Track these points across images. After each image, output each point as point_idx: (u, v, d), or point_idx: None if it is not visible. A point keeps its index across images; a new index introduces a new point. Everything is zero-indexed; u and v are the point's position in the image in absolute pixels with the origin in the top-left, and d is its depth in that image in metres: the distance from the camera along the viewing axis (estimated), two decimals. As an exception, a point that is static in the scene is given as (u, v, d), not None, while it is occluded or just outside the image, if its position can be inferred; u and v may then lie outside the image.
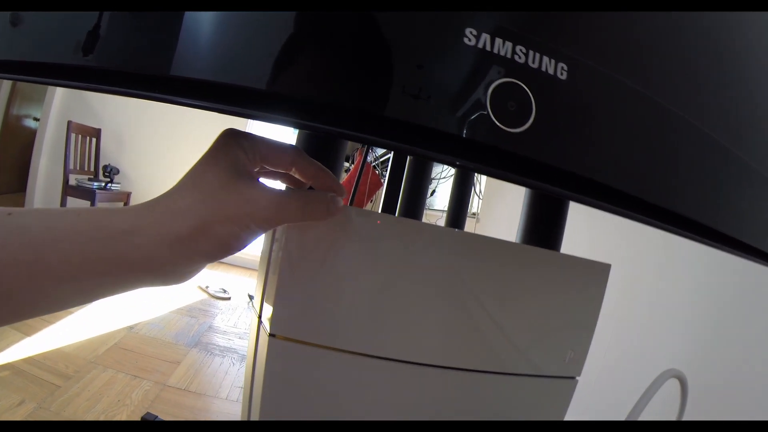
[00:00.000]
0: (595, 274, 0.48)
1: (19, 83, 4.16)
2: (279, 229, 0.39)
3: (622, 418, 0.53)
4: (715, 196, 0.34)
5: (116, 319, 2.19)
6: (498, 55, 0.25)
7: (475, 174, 1.29)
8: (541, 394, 0.49)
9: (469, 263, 0.42)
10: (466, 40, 0.24)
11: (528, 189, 0.56)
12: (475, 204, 3.14)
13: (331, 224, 0.38)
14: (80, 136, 3.55)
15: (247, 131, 0.31)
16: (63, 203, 3.36)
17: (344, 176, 2.91)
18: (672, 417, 0.64)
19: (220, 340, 2.29)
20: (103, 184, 3.50)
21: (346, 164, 3.24)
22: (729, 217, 0.36)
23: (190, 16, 0.24)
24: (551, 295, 0.46)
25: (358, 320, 0.40)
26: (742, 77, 0.37)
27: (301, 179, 0.35)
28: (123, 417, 1.43)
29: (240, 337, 2.38)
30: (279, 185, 0.36)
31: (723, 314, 1.25)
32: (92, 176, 3.65)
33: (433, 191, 3.30)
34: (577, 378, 0.50)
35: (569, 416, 0.48)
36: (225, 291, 3.08)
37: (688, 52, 0.33)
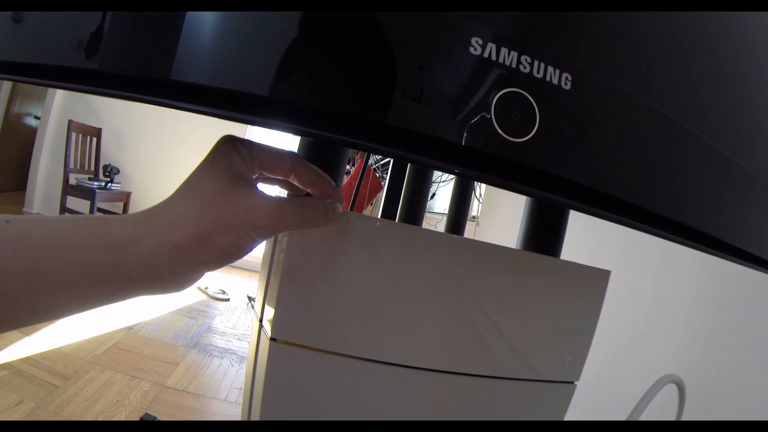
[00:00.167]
0: (595, 280, 0.48)
1: (20, 82, 4.16)
2: (280, 233, 0.39)
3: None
4: (716, 205, 0.34)
5: (115, 320, 2.18)
6: (503, 64, 0.25)
7: (476, 178, 1.29)
8: (540, 399, 0.49)
9: (470, 269, 0.42)
10: (471, 49, 0.24)
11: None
12: (475, 207, 3.14)
13: (332, 229, 0.38)
14: (81, 135, 3.55)
15: (245, 138, 0.31)
16: (63, 202, 3.35)
17: (345, 179, 2.91)
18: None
19: (219, 342, 2.29)
20: (103, 184, 3.50)
21: (348, 166, 3.24)
22: (730, 224, 0.36)
23: (191, 20, 0.24)
24: (551, 301, 0.46)
25: (359, 325, 0.40)
26: (744, 86, 0.38)
27: (299, 185, 0.35)
28: (121, 417, 1.43)
29: (239, 339, 2.38)
30: (277, 191, 0.36)
31: (721, 319, 1.25)
32: (92, 176, 3.65)
33: (434, 194, 3.30)
34: (576, 383, 0.50)
35: (566, 418, 0.49)
36: (224, 292, 3.08)
37: (690, 61, 0.33)
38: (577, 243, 1.29)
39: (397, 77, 0.23)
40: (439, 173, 2.49)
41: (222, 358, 2.10)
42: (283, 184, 0.36)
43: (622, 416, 0.55)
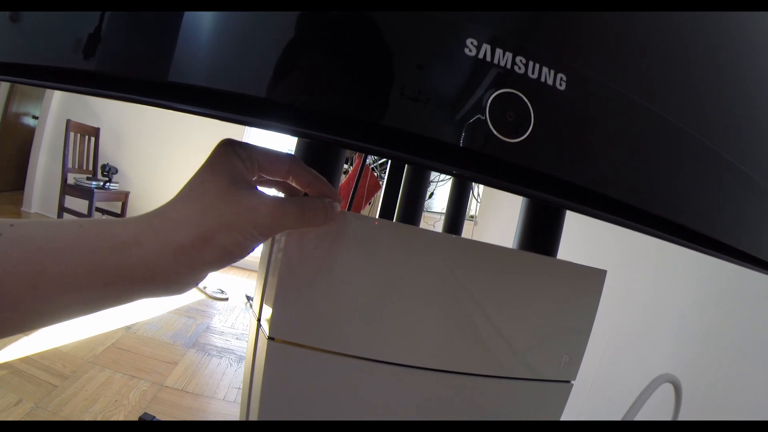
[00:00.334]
0: (591, 280, 0.49)
1: (18, 82, 4.15)
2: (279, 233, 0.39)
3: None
4: (712, 205, 0.35)
5: (114, 319, 2.18)
6: (498, 65, 0.25)
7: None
8: (537, 398, 0.49)
9: (467, 268, 0.43)
10: (466, 50, 0.24)
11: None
12: (473, 207, 3.14)
13: (329, 229, 0.38)
14: (79, 134, 3.55)
15: (243, 141, 0.31)
16: (61, 202, 3.35)
17: (343, 178, 2.92)
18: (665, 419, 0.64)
19: (217, 341, 2.29)
20: (102, 183, 3.49)
21: (345, 166, 3.25)
22: (726, 225, 0.36)
23: (188, 22, 0.24)
24: (547, 301, 0.46)
25: (357, 324, 0.40)
26: (741, 86, 0.38)
27: (297, 187, 0.35)
28: (120, 417, 1.43)
29: (237, 338, 2.38)
30: (274, 193, 0.36)
31: (718, 319, 1.26)
32: (91, 175, 3.65)
33: (432, 194, 3.31)
34: (573, 382, 0.50)
35: (566, 419, 0.49)
36: (222, 292, 3.08)
37: (687, 62, 0.33)
38: (575, 243, 1.30)
39: (392, 78, 0.23)
40: (437, 173, 2.49)
41: (220, 357, 2.10)
42: (280, 186, 0.36)
43: (619, 416, 0.55)
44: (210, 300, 2.94)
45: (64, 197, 3.35)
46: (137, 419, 1.40)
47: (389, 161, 1.01)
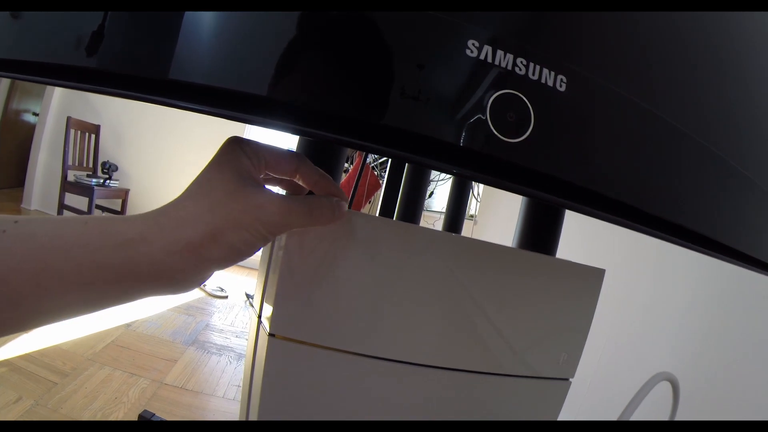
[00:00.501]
0: (590, 278, 0.49)
1: (18, 79, 4.15)
2: (281, 231, 0.39)
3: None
4: (712, 206, 0.35)
5: (113, 317, 2.19)
6: (499, 66, 0.25)
7: (474, 177, 1.30)
8: (536, 395, 0.49)
9: (466, 267, 0.43)
10: (468, 51, 0.25)
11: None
12: (473, 206, 3.15)
13: (330, 227, 0.38)
14: (79, 132, 3.55)
15: (250, 139, 0.31)
16: (61, 199, 3.35)
17: (343, 177, 2.92)
18: (665, 419, 0.65)
19: (217, 339, 2.29)
20: (102, 181, 3.49)
21: (346, 164, 3.25)
22: (726, 226, 0.36)
23: (189, 20, 0.24)
24: (546, 299, 0.47)
25: (357, 321, 0.41)
26: (741, 87, 0.38)
27: (304, 185, 0.35)
28: (120, 414, 1.43)
29: (237, 336, 2.39)
30: (279, 191, 0.36)
31: (718, 319, 1.26)
32: (91, 172, 3.65)
33: (431, 193, 3.31)
34: (571, 380, 0.50)
35: (565, 417, 0.49)
36: (222, 289, 3.08)
37: (687, 63, 0.34)
38: (575, 242, 1.30)
39: (394, 79, 0.24)
40: (437, 172, 2.49)
41: (220, 355, 2.11)
42: (284, 184, 0.36)
43: (618, 414, 0.55)
44: (210, 298, 2.94)
45: (64, 194, 3.35)
46: (137, 417, 1.40)
47: (390, 160, 1.01)
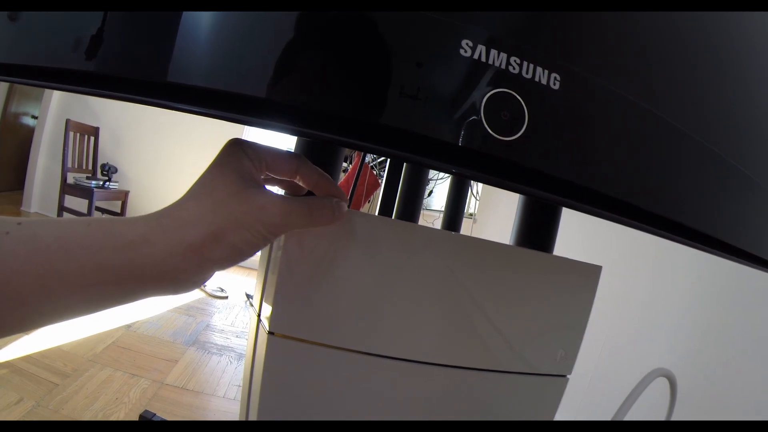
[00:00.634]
0: (586, 275, 0.49)
1: (17, 81, 4.15)
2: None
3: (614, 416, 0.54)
4: (709, 202, 0.35)
5: (114, 318, 2.19)
6: (492, 65, 0.25)
7: (472, 175, 1.30)
8: (533, 392, 0.50)
9: (464, 264, 0.43)
10: (462, 51, 0.25)
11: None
12: (472, 205, 3.15)
13: (330, 225, 0.39)
14: (78, 134, 3.55)
15: (251, 140, 0.32)
16: (61, 202, 3.35)
17: (343, 177, 2.92)
18: (662, 416, 0.65)
19: (217, 339, 2.29)
20: (101, 183, 3.49)
21: (345, 164, 3.25)
22: (727, 224, 0.36)
23: (188, 22, 0.24)
24: (543, 296, 0.47)
25: (356, 319, 0.41)
26: (737, 85, 0.38)
27: (304, 186, 0.35)
28: (121, 415, 1.43)
29: (237, 336, 2.39)
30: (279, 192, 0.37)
31: (718, 316, 1.26)
32: (90, 175, 3.65)
33: (431, 192, 3.31)
34: (568, 376, 0.51)
35: (564, 414, 0.49)
36: (222, 290, 3.08)
37: (682, 60, 0.34)
38: (574, 239, 1.30)
39: (390, 79, 0.24)
40: (436, 171, 2.49)
41: (220, 355, 2.11)
42: (284, 184, 0.37)
43: (616, 409, 0.55)
44: (210, 298, 2.94)
45: (64, 197, 3.35)
46: (138, 417, 1.41)
47: (388, 160, 1.01)
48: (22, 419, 1.31)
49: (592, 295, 0.50)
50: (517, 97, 0.26)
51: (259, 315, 0.44)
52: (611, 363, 1.51)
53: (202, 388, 1.75)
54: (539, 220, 0.59)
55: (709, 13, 0.35)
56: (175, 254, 0.27)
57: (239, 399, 1.65)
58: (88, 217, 0.27)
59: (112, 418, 1.41)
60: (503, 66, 0.25)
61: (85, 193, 3.31)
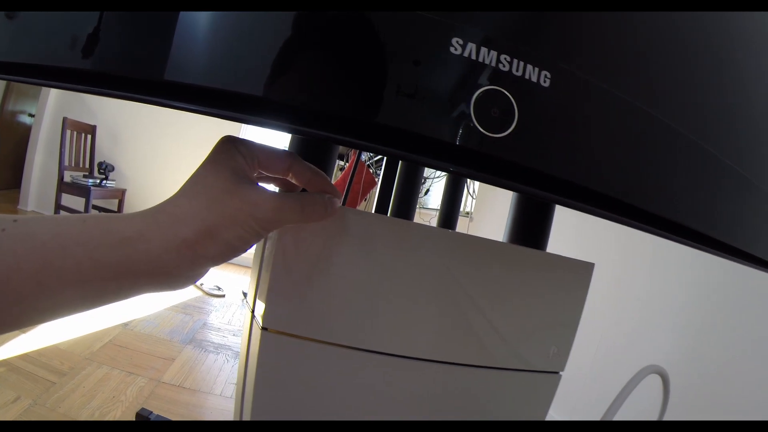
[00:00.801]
0: (579, 272, 0.50)
1: (13, 79, 4.14)
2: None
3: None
4: (704, 202, 0.35)
5: (111, 316, 2.19)
6: (483, 63, 0.25)
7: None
8: (526, 388, 0.50)
9: (458, 261, 0.43)
10: (452, 49, 0.25)
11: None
12: (468, 203, 3.15)
13: (323, 222, 0.39)
14: (75, 132, 3.54)
15: (244, 138, 0.32)
16: (58, 200, 3.34)
17: (339, 175, 2.93)
18: (656, 413, 0.65)
19: (214, 337, 2.29)
20: (98, 181, 3.48)
21: (341, 163, 3.25)
22: (724, 224, 0.36)
23: (185, 21, 0.24)
24: (536, 293, 0.47)
25: (349, 315, 0.41)
26: (732, 82, 0.38)
27: (297, 183, 0.36)
28: (118, 413, 1.43)
29: (234, 334, 2.39)
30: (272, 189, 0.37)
31: (713, 314, 1.27)
32: (87, 173, 3.63)
33: (427, 191, 3.31)
34: (561, 373, 0.51)
35: (558, 411, 0.50)
36: (219, 288, 3.08)
37: (674, 59, 0.34)
38: (569, 237, 1.31)
39: (384, 78, 0.24)
40: (433, 169, 2.50)
41: (217, 353, 2.11)
42: (278, 182, 0.37)
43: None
44: (207, 297, 2.94)
45: (61, 195, 3.34)
46: (135, 415, 1.41)
47: (384, 158, 1.02)
48: (18, 418, 1.31)
49: (584, 292, 0.50)
50: (507, 94, 0.26)
51: (252, 311, 0.44)
52: (606, 362, 1.52)
53: (199, 387, 1.75)
54: (532, 218, 0.59)
55: (702, 12, 0.35)
56: (170, 250, 0.27)
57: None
58: (84, 214, 0.27)
59: (109, 416, 1.41)
60: (493, 64, 0.26)
61: (82, 191, 3.30)
